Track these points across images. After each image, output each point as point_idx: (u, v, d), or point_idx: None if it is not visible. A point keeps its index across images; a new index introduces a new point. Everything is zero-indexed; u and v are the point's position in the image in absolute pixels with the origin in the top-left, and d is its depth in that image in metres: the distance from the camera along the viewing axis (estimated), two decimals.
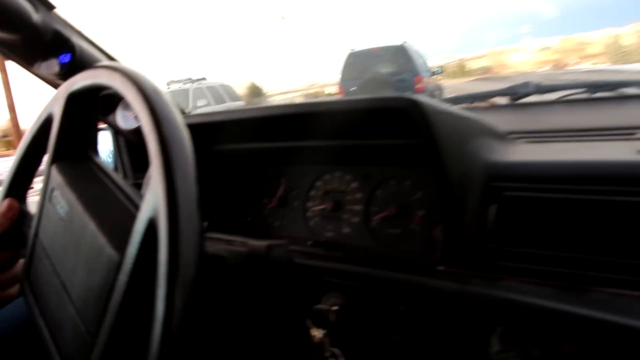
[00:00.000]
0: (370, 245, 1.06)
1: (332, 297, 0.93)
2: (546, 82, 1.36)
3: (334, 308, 0.90)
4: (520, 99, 1.36)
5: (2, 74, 9.50)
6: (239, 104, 12.82)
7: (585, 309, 0.69)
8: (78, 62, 1.25)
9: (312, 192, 1.20)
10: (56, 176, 0.73)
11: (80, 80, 0.73)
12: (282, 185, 1.25)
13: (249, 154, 1.27)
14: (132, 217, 0.56)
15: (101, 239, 0.59)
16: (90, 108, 0.77)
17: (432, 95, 8.76)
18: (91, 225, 0.62)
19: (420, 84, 9.33)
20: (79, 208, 0.65)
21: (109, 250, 0.58)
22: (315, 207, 1.18)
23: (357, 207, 1.12)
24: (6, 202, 0.82)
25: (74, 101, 0.74)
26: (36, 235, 0.75)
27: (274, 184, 1.26)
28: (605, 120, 1.12)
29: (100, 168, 0.74)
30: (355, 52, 10.30)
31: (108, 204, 0.66)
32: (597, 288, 0.72)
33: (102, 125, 1.48)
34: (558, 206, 0.78)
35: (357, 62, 10.08)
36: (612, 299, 0.70)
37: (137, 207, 0.57)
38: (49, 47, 1.26)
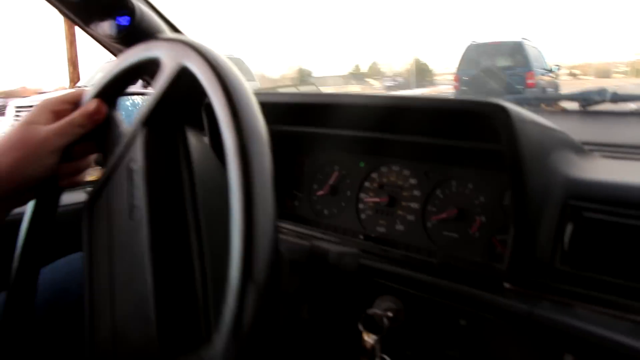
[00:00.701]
0: (425, 247, 1.02)
1: (386, 300, 0.89)
2: (622, 91, 1.28)
3: (389, 313, 0.86)
4: (591, 106, 1.30)
5: (67, 26, 9.20)
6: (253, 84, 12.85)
7: None
8: (137, 27, 1.22)
9: (367, 184, 1.16)
10: None
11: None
12: (335, 172, 1.21)
13: (302, 137, 1.24)
14: None
15: None
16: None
17: (543, 91, 9.47)
18: None
19: (532, 79, 9.68)
20: None
21: None
22: (369, 200, 1.15)
23: (414, 205, 1.08)
24: (94, 102, 0.75)
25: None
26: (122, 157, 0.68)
27: (327, 171, 1.23)
28: None
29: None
30: (475, 44, 10.84)
31: None
32: None
33: None
34: (631, 232, 0.73)
35: (475, 54, 10.58)
36: None
37: None
38: (107, 7, 1.23)
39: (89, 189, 0.75)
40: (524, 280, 0.79)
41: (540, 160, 0.80)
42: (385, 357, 0.86)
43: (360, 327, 0.86)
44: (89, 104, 0.76)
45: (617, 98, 1.28)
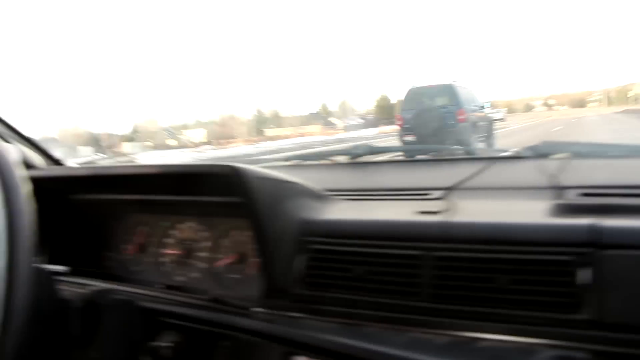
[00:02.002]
0: (212, 289, 1.20)
1: (168, 335, 1.05)
2: (380, 143, 1.57)
3: (168, 345, 1.02)
4: (356, 158, 1.57)
5: None
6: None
7: (357, 340, 0.87)
8: None
9: (167, 240, 1.33)
10: None
11: None
12: (141, 233, 1.37)
13: (109, 204, 1.38)
14: None
15: None
16: None
17: (474, 125, 11.46)
18: None
19: (463, 115, 11.29)
20: None
21: None
22: (169, 254, 1.31)
23: (204, 254, 1.26)
24: None
25: None
26: None
27: (134, 232, 1.38)
28: (413, 180, 1.34)
29: None
30: (414, 87, 12.59)
31: None
32: (371, 323, 0.90)
33: None
34: (353, 257, 0.96)
35: (415, 95, 12.36)
36: (379, 332, 0.88)
37: None
38: None
39: None
40: (272, 304, 1.00)
41: (275, 208, 1.02)
42: None
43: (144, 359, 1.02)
44: None
45: (374, 151, 1.57)
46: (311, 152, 1.70)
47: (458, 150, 1.54)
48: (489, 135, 13.17)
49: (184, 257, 1.29)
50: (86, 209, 1.39)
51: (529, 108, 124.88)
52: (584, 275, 0.78)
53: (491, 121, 13.51)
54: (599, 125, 17.70)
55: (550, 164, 1.26)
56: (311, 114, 74.73)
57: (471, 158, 1.48)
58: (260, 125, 70.74)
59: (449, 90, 12.02)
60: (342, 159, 1.62)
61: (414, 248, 0.92)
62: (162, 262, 1.32)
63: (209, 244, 1.27)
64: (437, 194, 1.16)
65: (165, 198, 1.26)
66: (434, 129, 11.19)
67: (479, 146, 11.59)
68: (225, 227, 1.25)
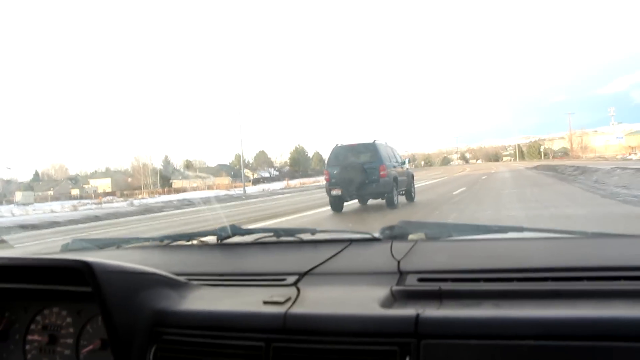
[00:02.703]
0: None
1: None
2: (242, 227, 1.68)
3: None
4: (225, 239, 1.67)
5: None
6: None
7: None
8: None
9: (32, 326, 1.34)
10: None
11: None
12: (5, 319, 1.38)
13: None
14: None
15: None
16: None
17: (394, 179, 12.81)
18: None
19: (384, 171, 12.52)
20: None
21: None
22: (33, 339, 1.33)
23: (70, 341, 1.29)
24: None
25: None
26: None
27: None
28: (273, 264, 1.45)
29: None
30: (339, 145, 13.62)
31: None
32: None
33: None
34: (202, 348, 1.04)
35: (340, 153, 13.38)
36: None
37: None
38: None
39: None
40: None
41: (127, 299, 1.09)
42: None
43: None
44: None
45: (239, 232, 1.66)
46: (182, 233, 1.77)
47: (322, 232, 1.66)
48: (408, 190, 14.54)
49: (48, 344, 1.31)
50: None
51: (446, 161, 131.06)
52: None
53: (410, 176, 15.01)
54: (504, 186, 18.56)
55: (401, 247, 1.40)
56: (219, 165, 74.21)
57: (332, 240, 1.59)
58: (168, 177, 69.28)
59: (371, 148, 13.12)
60: (211, 239, 1.70)
61: (256, 339, 1.01)
62: (27, 349, 1.33)
63: (72, 329, 1.30)
64: (291, 279, 1.26)
65: (27, 287, 1.29)
66: (358, 183, 12.41)
67: (399, 199, 13.35)
68: (90, 312, 1.29)
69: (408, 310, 0.97)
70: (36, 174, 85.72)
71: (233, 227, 1.67)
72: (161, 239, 1.81)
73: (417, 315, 0.93)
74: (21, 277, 1.26)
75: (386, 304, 1.03)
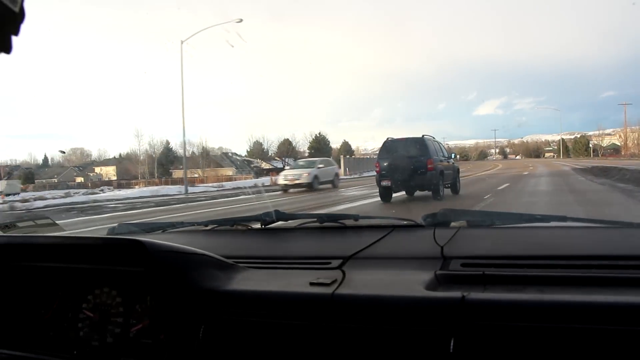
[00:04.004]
0: (125, 355, 1.28)
1: None
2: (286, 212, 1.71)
3: None
4: (268, 225, 1.70)
5: None
6: None
7: None
8: None
9: (84, 305, 1.40)
10: None
11: None
12: (58, 298, 1.43)
13: (26, 270, 1.45)
14: None
15: None
16: None
17: (440, 172, 13.45)
18: None
19: (431, 164, 13.18)
20: None
21: None
22: (85, 319, 1.38)
23: (119, 320, 1.33)
24: None
25: None
26: None
27: (50, 298, 1.44)
28: (318, 248, 1.47)
29: None
30: (390, 139, 14.68)
31: None
32: None
33: None
34: (253, 327, 1.07)
35: (390, 146, 14.39)
36: None
37: None
38: None
39: None
40: None
41: (178, 278, 1.12)
42: None
43: None
44: None
45: (283, 217, 1.69)
46: (226, 218, 1.81)
47: (365, 218, 1.69)
48: (453, 183, 15.06)
49: (99, 322, 1.35)
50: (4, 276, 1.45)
51: (483, 156, 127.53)
52: (453, 345, 0.90)
53: (456, 170, 15.76)
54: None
55: (444, 233, 1.40)
56: (223, 153, 72.73)
57: (375, 226, 1.61)
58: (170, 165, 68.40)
59: (419, 143, 13.96)
60: (255, 224, 1.74)
61: (303, 319, 1.03)
62: (79, 327, 1.38)
63: (122, 309, 1.34)
64: (336, 262, 1.27)
65: (80, 266, 1.34)
66: (406, 175, 13.08)
67: (446, 191, 13.92)
68: (138, 293, 1.33)
69: (454, 293, 0.98)
70: (45, 159, 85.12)
71: (277, 212, 1.70)
72: (206, 223, 1.85)
73: (463, 297, 0.94)
74: (74, 257, 1.31)
75: (431, 287, 1.04)
